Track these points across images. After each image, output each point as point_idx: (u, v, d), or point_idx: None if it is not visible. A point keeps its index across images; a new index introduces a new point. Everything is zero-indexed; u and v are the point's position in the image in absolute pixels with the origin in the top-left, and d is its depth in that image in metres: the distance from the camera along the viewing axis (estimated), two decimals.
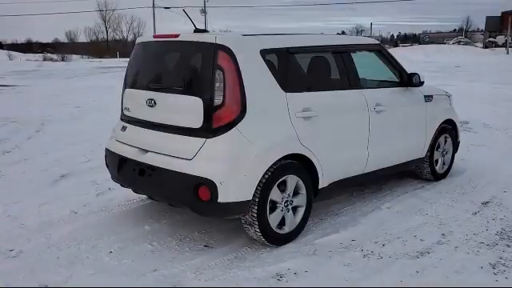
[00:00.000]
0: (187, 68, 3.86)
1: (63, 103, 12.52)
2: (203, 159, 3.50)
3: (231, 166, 3.46)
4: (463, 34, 73.80)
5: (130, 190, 4.28)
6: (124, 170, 4.09)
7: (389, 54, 4.93)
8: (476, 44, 60.70)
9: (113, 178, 4.36)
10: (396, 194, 5.11)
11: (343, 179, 4.32)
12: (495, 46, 56.32)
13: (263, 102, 3.66)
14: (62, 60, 49.13)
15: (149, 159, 3.81)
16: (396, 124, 4.79)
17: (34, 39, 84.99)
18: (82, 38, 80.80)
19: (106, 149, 4.36)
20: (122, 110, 4.36)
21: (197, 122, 3.56)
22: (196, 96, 3.57)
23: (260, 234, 3.67)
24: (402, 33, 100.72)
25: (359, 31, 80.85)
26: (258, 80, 3.66)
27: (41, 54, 56.64)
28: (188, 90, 3.67)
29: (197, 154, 3.52)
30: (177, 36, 3.83)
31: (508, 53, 41.45)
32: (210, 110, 3.51)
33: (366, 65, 4.87)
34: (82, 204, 4.78)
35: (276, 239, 3.79)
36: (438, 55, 37.06)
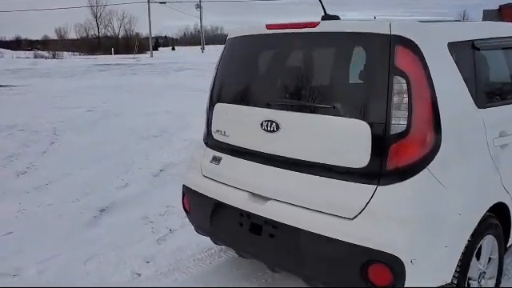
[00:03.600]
0: (338, 74, 2.54)
1: (71, 106, 11.12)
2: (375, 220, 2.19)
3: (427, 232, 2.17)
4: None
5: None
6: (222, 221, 2.79)
7: None
8: None
9: (198, 229, 3.06)
10: None
11: None
12: None
13: (459, 126, 2.37)
14: (54, 57, 47.34)
15: (271, 212, 2.50)
16: None
17: (23, 36, 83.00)
18: (72, 35, 78.85)
19: (187, 187, 3.05)
20: (208, 133, 3.05)
21: (360, 158, 2.26)
22: (358, 118, 2.27)
23: None
24: None
25: None
26: (451, 91, 2.37)
27: (31, 52, 54.75)
28: (342, 109, 2.36)
29: (363, 211, 2.22)
30: (315, 25, 2.50)
31: None
32: (383, 141, 2.21)
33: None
34: (143, 259, 3.47)
35: None
36: None
